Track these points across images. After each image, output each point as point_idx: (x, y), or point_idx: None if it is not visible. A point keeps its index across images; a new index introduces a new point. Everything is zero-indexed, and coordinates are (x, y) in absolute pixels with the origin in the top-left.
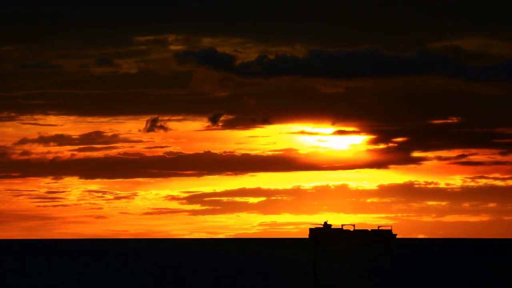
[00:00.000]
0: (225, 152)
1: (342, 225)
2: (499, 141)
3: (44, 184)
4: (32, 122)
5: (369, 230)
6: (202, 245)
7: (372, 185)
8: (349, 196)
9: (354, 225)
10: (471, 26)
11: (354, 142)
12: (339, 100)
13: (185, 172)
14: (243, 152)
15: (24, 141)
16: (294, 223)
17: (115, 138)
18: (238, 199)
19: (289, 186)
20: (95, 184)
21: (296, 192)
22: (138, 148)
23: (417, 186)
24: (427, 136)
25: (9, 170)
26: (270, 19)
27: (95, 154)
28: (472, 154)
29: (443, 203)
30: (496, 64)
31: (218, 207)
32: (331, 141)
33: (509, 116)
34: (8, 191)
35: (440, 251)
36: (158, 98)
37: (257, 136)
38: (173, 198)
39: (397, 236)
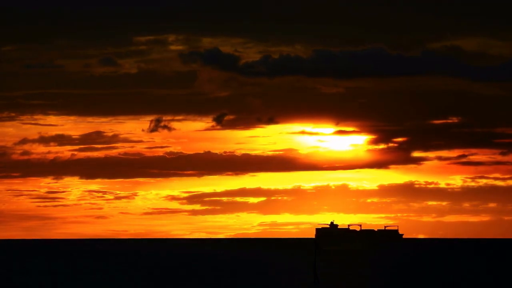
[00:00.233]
0: (225, 152)
1: (349, 225)
2: (499, 141)
3: (44, 184)
4: (33, 122)
5: (376, 230)
6: (202, 245)
7: (373, 185)
8: (349, 196)
9: (360, 225)
10: (471, 26)
11: (355, 142)
12: (341, 100)
13: (185, 172)
14: (243, 152)
15: (24, 141)
16: (294, 223)
17: (115, 138)
18: (238, 199)
19: (289, 186)
20: (95, 184)
21: (296, 192)
22: (139, 148)
23: (417, 186)
24: (428, 136)
25: (9, 170)
26: (270, 19)
27: (95, 154)
28: (472, 154)
29: (444, 203)
30: (496, 64)
31: (218, 207)
32: (331, 141)
33: (509, 116)
34: (9, 191)
35: (447, 251)
36: (159, 98)
37: (258, 136)
38: (173, 198)
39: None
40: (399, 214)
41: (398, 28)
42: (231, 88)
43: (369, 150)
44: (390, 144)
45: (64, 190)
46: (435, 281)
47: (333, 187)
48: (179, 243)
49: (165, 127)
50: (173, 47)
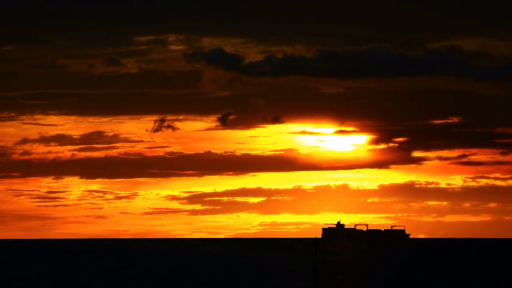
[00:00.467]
0: (225, 152)
1: (355, 225)
2: (499, 141)
3: (44, 184)
4: (33, 122)
5: (382, 230)
6: (202, 245)
7: (373, 185)
8: (349, 196)
9: (367, 225)
10: (471, 26)
11: (355, 142)
12: (342, 100)
13: (185, 172)
14: (244, 152)
15: (24, 141)
16: (294, 223)
17: (115, 138)
18: (238, 199)
19: (289, 186)
20: (95, 184)
21: (297, 192)
22: (139, 148)
23: (417, 186)
24: (428, 136)
25: (10, 170)
26: (271, 19)
27: (95, 154)
28: (472, 154)
29: (444, 203)
30: (497, 64)
31: (218, 207)
32: (331, 141)
33: (509, 116)
34: (9, 191)
35: (453, 251)
36: (159, 98)
37: (258, 136)
38: (173, 198)
39: (410, 237)
40: (399, 214)
41: (399, 28)
42: (234, 88)
43: (369, 150)
44: (391, 144)
45: (65, 190)
46: (435, 281)
47: (333, 187)
48: (179, 243)
49: (169, 126)
50: (173, 47)
